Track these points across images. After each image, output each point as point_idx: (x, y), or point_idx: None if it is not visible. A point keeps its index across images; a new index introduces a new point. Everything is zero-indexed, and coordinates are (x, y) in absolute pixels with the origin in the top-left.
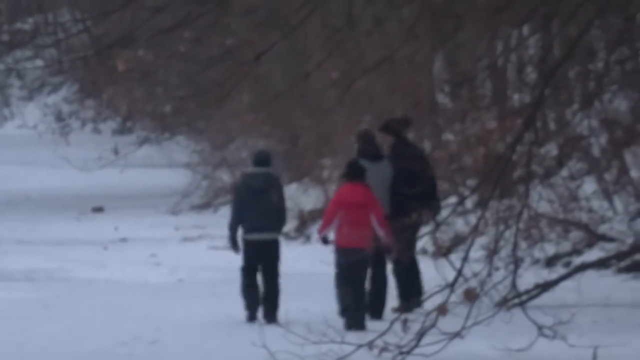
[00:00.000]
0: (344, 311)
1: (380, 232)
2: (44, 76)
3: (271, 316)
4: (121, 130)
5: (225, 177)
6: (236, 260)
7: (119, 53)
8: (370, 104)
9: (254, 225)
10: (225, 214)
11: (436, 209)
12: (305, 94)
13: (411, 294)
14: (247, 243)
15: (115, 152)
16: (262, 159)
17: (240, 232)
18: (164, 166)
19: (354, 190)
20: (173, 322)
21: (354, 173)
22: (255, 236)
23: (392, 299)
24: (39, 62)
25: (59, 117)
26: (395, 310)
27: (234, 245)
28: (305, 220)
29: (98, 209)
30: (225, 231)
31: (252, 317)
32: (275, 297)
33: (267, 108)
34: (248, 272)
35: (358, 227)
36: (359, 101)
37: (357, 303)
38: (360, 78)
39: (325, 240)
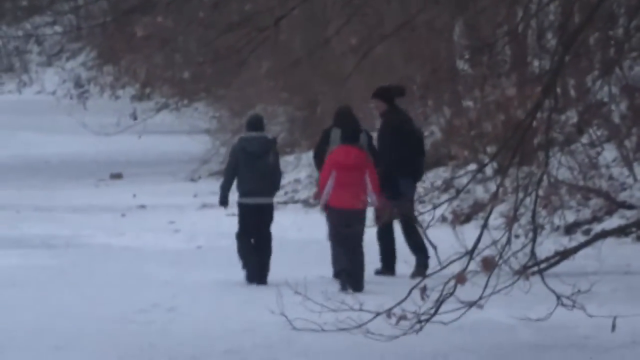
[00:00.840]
0: (338, 274)
1: (373, 196)
2: (62, 42)
3: (263, 278)
4: (140, 97)
5: None
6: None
7: (137, 19)
8: (389, 70)
9: (250, 189)
10: None
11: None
12: (324, 61)
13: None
14: (242, 207)
15: (134, 118)
16: (255, 123)
17: (236, 196)
18: (183, 132)
19: (348, 153)
20: (191, 288)
21: (348, 136)
22: (251, 200)
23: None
24: (58, 28)
25: (78, 83)
26: (413, 276)
27: (223, 200)
28: None
29: (116, 176)
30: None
31: (251, 277)
32: (267, 260)
33: (286, 74)
34: (243, 237)
35: (352, 189)
36: (377, 67)
37: (355, 264)
38: (379, 44)
39: (326, 207)
